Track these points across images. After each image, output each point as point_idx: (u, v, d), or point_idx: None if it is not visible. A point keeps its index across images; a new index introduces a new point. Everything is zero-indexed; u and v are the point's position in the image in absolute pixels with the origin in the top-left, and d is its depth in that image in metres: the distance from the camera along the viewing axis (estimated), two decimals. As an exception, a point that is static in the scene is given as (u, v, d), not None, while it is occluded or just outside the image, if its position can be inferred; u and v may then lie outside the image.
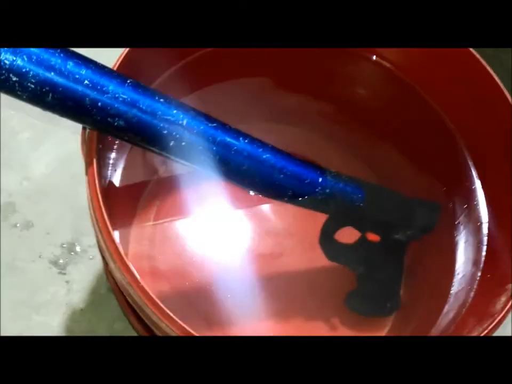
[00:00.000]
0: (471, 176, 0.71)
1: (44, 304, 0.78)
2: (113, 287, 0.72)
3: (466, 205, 0.71)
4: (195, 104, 0.65)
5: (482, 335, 0.54)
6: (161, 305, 0.52)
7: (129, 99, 0.54)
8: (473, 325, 0.59)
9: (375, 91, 0.76)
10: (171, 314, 0.52)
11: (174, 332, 0.53)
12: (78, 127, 0.58)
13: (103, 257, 0.63)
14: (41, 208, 0.82)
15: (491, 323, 0.55)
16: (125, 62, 0.60)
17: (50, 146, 0.86)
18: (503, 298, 0.57)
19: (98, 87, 0.53)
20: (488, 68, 0.66)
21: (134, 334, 0.75)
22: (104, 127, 0.55)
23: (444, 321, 0.67)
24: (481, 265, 0.66)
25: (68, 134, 0.84)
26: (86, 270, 0.81)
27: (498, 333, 0.54)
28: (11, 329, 0.75)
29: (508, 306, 0.56)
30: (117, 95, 0.53)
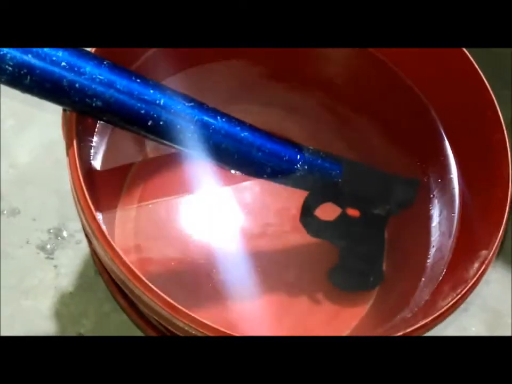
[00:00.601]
0: (446, 150, 0.73)
1: (32, 289, 0.80)
2: (99, 268, 0.73)
3: (440, 179, 0.73)
4: (182, 84, 0.67)
5: (454, 300, 0.56)
6: (143, 278, 0.53)
7: (106, 80, 0.55)
8: (448, 292, 0.61)
9: (349, 69, 0.77)
10: (153, 287, 0.53)
11: (157, 305, 0.54)
12: (61, 112, 0.59)
13: (88, 238, 0.64)
14: (27, 194, 0.84)
15: (464, 288, 0.57)
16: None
17: (34, 133, 0.87)
18: (476, 265, 0.59)
19: (76, 69, 0.54)
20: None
21: (122, 314, 0.77)
22: (83, 108, 0.56)
23: (423, 293, 0.68)
24: (455, 236, 0.68)
25: (51, 120, 0.85)
26: (74, 254, 0.82)
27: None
28: (1, 314, 0.77)
29: (480, 271, 0.57)
30: (94, 76, 0.55)
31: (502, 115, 0.92)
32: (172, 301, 0.53)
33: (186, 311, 0.53)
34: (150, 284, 0.53)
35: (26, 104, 0.84)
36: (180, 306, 0.53)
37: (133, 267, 0.54)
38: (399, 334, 0.54)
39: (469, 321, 0.85)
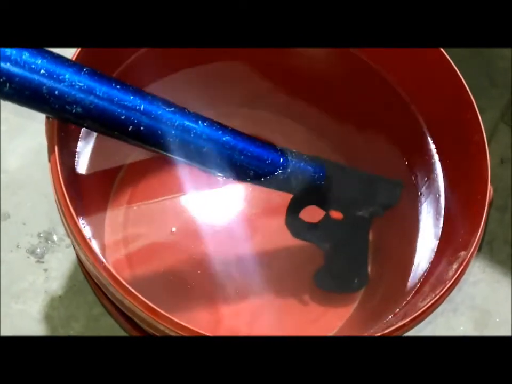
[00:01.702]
0: (430, 150, 0.73)
1: (22, 292, 0.80)
2: (85, 273, 0.74)
3: (426, 178, 0.73)
4: (166, 88, 0.67)
5: (432, 301, 0.56)
6: (123, 281, 0.54)
7: (85, 86, 0.56)
8: (428, 293, 0.61)
9: (334, 70, 0.78)
10: (133, 290, 0.54)
11: (137, 308, 0.55)
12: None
13: (72, 244, 0.65)
14: (17, 199, 0.85)
15: (442, 289, 0.57)
16: (83, 52, 0.62)
17: (24, 139, 0.88)
18: (455, 265, 0.60)
19: (55, 76, 0.55)
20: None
21: (110, 318, 0.78)
22: (63, 115, 0.57)
23: (407, 294, 0.69)
24: (439, 236, 0.69)
25: (40, 127, 0.85)
26: (64, 258, 0.83)
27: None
28: (-9, 318, 0.78)
29: (458, 272, 0.58)
30: (73, 83, 0.55)
31: (490, 113, 0.93)
32: (152, 304, 0.54)
33: (167, 314, 0.54)
34: (130, 288, 0.54)
35: (17, 112, 0.85)
36: (160, 310, 0.54)
37: (113, 271, 0.55)
38: (377, 335, 0.55)
39: (457, 321, 0.85)
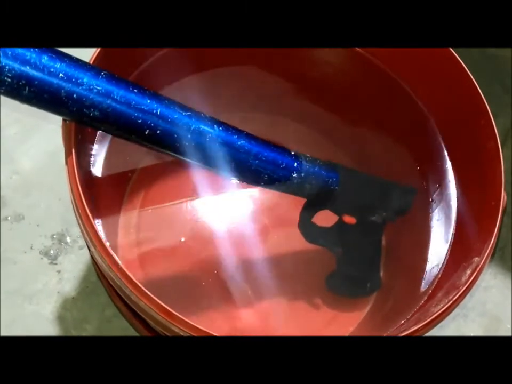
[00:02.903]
0: (443, 156, 0.74)
1: (36, 294, 0.81)
2: (99, 275, 0.75)
3: (438, 184, 0.73)
4: (180, 92, 0.68)
5: (446, 307, 0.56)
6: (138, 283, 0.54)
7: (103, 90, 0.57)
8: (441, 298, 0.61)
9: (346, 74, 0.78)
10: (148, 293, 0.54)
11: (153, 310, 0.55)
12: (64, 121, 0.60)
13: (88, 246, 0.65)
14: (31, 201, 0.85)
15: (456, 295, 0.57)
16: (102, 54, 0.63)
17: (38, 140, 0.89)
18: (468, 271, 0.60)
19: (73, 80, 0.55)
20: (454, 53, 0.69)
21: (123, 319, 0.78)
22: (80, 118, 0.57)
23: (420, 299, 0.69)
24: (451, 242, 0.69)
25: (54, 128, 0.85)
26: (77, 260, 0.83)
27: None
28: (4, 318, 0.78)
29: (472, 278, 0.58)
30: (91, 87, 0.56)
31: (502, 119, 0.93)
32: (167, 307, 0.54)
33: (181, 316, 0.54)
34: (145, 290, 0.55)
35: (31, 113, 0.86)
36: (175, 312, 0.54)
37: (129, 274, 0.55)
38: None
39: (468, 326, 0.85)
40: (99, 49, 0.63)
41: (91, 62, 0.62)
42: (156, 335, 0.68)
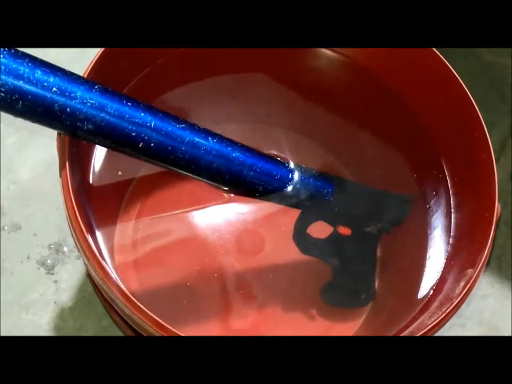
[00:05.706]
0: (439, 165, 0.74)
1: (32, 304, 0.81)
2: (94, 287, 0.75)
3: (435, 193, 0.74)
4: (176, 101, 0.68)
5: (439, 319, 0.56)
6: (132, 297, 0.54)
7: (97, 104, 0.57)
8: (435, 310, 0.61)
9: (343, 86, 0.79)
10: (142, 306, 0.55)
11: (146, 323, 0.55)
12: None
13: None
14: (28, 211, 0.85)
15: (449, 307, 0.57)
16: (100, 62, 0.63)
17: (35, 151, 0.89)
18: (462, 283, 0.60)
19: (67, 94, 0.55)
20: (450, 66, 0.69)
21: (119, 330, 0.78)
22: (74, 131, 0.58)
23: (414, 310, 0.69)
24: (447, 253, 0.69)
25: (52, 139, 0.86)
26: (74, 269, 0.83)
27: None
28: (1, 328, 0.78)
29: (465, 290, 0.58)
30: (85, 101, 0.56)
31: (500, 128, 0.93)
32: (160, 320, 0.55)
33: (175, 330, 0.55)
34: (139, 303, 0.55)
35: (29, 123, 0.86)
36: (168, 325, 0.55)
37: (123, 286, 0.55)
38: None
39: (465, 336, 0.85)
40: (94, 61, 0.64)
41: (87, 73, 0.62)
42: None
